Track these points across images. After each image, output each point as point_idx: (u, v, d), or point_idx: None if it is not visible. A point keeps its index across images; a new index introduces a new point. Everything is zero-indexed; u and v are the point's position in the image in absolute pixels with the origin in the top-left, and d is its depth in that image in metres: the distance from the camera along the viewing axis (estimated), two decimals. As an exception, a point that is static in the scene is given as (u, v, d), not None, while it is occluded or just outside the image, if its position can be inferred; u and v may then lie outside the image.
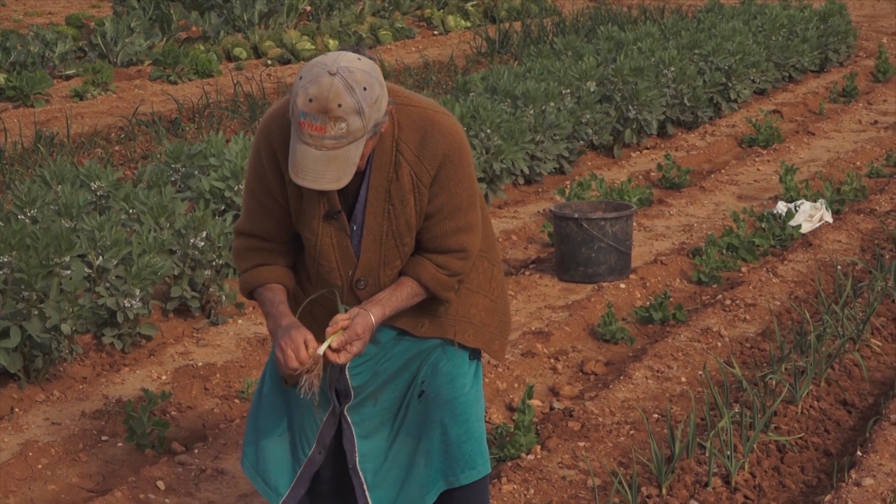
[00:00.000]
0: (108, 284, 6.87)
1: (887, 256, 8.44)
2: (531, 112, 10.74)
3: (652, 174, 11.18)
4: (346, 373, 4.09)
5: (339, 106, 3.60)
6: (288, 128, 3.81)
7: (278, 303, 3.98)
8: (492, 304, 4.21)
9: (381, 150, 3.87)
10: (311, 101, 3.60)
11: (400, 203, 3.89)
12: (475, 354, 4.21)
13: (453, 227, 3.96)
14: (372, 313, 3.91)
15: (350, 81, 3.62)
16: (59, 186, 7.89)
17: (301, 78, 3.65)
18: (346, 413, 4.12)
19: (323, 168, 3.65)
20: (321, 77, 3.62)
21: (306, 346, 3.81)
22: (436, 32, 20.98)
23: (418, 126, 3.87)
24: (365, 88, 3.63)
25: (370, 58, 3.75)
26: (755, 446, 5.58)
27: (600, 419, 6.11)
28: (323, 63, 3.65)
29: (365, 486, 4.12)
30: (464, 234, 3.98)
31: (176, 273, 7.33)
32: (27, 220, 7.25)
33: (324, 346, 3.82)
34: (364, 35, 18.73)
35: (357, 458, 4.12)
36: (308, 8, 20.77)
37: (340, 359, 3.84)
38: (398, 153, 3.86)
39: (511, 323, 4.35)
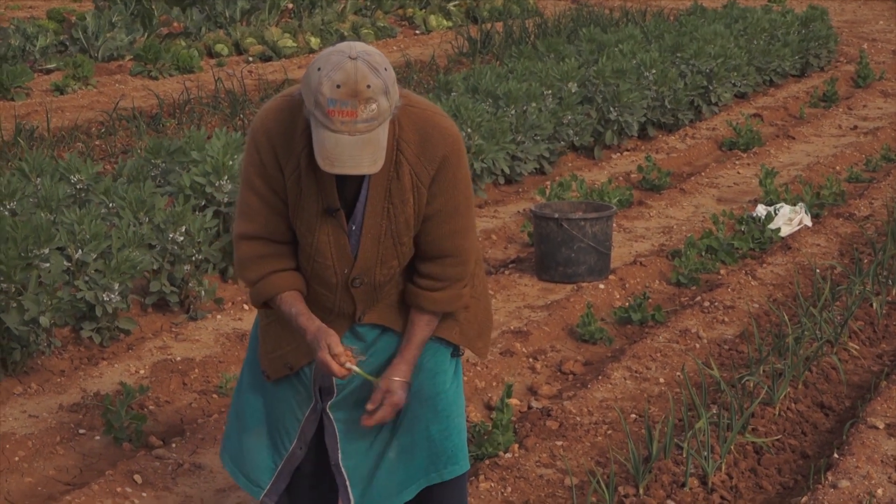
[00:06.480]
0: (87, 278, 6.85)
1: (865, 261, 8.46)
2: (512, 112, 10.74)
3: (632, 176, 11.19)
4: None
5: (368, 87, 3.60)
6: (286, 124, 3.81)
7: (296, 315, 3.96)
8: (475, 302, 4.20)
9: None
10: (338, 86, 3.59)
11: (400, 202, 3.88)
12: (455, 352, 4.22)
13: (450, 231, 3.95)
14: (402, 376, 4.02)
15: (372, 63, 3.63)
16: (39, 179, 7.86)
17: (320, 69, 3.63)
18: (328, 410, 4.12)
19: (359, 153, 3.64)
20: (343, 63, 3.61)
21: (336, 352, 3.89)
22: (417, 32, 20.98)
23: (418, 126, 3.86)
24: (385, 69, 3.66)
25: None
26: (732, 447, 5.59)
27: (578, 419, 6.12)
28: (340, 51, 3.65)
29: (348, 483, 4.13)
30: (460, 238, 3.98)
31: (155, 268, 7.32)
32: (6, 213, 7.22)
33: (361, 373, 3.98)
34: (346, 33, 18.71)
35: (340, 455, 4.12)
36: (290, 5, 20.74)
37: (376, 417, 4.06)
38: (399, 152, 3.85)
39: (493, 321, 4.35)
